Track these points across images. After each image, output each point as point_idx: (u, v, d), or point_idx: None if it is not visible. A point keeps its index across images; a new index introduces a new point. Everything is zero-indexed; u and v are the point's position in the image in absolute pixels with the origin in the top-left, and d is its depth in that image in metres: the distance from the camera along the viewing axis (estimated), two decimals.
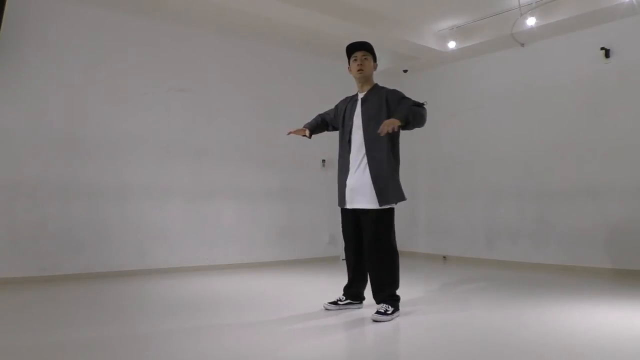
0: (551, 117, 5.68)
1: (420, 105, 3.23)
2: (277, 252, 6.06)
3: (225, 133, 5.79)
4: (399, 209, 3.43)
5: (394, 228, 3.32)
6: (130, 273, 4.99)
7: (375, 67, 3.40)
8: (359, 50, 3.35)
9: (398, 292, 3.27)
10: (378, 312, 3.11)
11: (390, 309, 3.13)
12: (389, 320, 3.07)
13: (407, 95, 3.32)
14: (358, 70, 3.33)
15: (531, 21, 5.30)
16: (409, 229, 7.12)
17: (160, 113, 5.35)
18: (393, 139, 3.28)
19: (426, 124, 3.30)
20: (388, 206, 3.24)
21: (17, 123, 4.57)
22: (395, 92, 3.32)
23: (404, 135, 3.39)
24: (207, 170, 5.62)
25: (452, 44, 6.07)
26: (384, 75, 7.20)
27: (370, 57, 3.36)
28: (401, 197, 3.30)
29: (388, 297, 3.21)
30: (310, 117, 3.84)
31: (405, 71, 7.09)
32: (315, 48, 6.22)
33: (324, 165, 6.54)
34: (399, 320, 3.11)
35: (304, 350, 2.50)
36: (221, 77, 5.82)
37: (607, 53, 5.23)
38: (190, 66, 5.60)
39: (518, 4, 5.24)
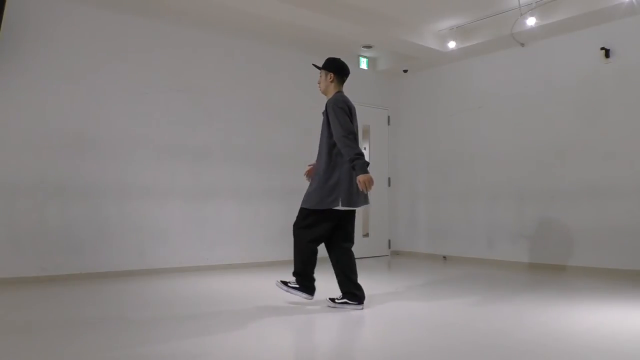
0: (551, 117, 5.68)
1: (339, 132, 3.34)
2: (277, 252, 6.06)
3: (225, 133, 5.79)
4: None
5: (311, 229, 3.47)
6: (130, 273, 4.99)
7: (331, 77, 3.57)
8: (319, 71, 3.65)
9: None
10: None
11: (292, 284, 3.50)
12: (285, 291, 3.47)
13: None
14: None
15: (531, 21, 5.30)
16: (409, 229, 7.13)
17: (160, 113, 5.35)
18: (330, 151, 3.45)
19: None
20: (305, 207, 3.53)
21: (17, 123, 4.58)
22: (327, 105, 3.50)
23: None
24: (207, 170, 5.62)
25: (452, 44, 6.07)
26: (384, 75, 7.21)
27: (323, 73, 3.61)
28: (314, 204, 3.46)
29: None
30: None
31: (405, 71, 7.08)
32: (314, 48, 6.21)
33: None
34: (399, 321, 3.12)
35: (302, 349, 2.51)
36: (221, 77, 5.82)
37: (607, 53, 5.23)
38: (191, 66, 5.60)
39: (518, 4, 5.24)
